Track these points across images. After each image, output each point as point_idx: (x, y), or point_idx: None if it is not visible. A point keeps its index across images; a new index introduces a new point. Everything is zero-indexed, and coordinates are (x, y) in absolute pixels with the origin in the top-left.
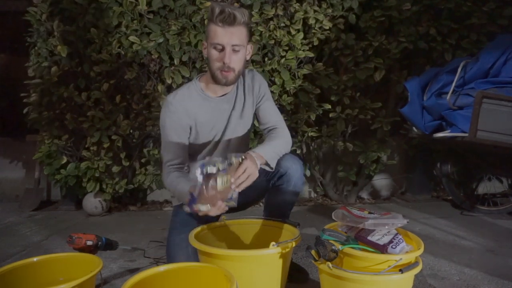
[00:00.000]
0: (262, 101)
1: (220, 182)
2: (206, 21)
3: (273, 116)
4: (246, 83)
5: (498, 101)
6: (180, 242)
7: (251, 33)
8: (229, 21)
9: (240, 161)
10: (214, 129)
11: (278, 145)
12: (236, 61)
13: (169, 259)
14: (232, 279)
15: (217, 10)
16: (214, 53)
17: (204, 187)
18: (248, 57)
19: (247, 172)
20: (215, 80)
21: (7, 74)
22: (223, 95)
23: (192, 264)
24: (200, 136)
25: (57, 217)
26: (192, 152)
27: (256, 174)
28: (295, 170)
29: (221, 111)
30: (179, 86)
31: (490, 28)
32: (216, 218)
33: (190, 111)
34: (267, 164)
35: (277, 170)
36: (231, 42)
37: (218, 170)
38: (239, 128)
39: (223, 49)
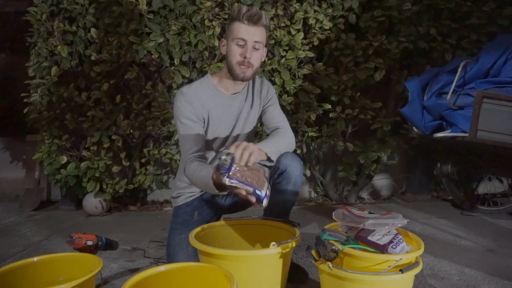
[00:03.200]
0: (268, 104)
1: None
2: (207, 22)
3: (278, 118)
4: (255, 87)
5: (498, 101)
6: (181, 242)
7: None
8: (255, 19)
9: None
10: (224, 125)
11: (280, 142)
12: (255, 58)
13: (170, 259)
14: (232, 279)
15: (244, 9)
16: (236, 48)
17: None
18: (263, 59)
19: (242, 146)
20: (233, 74)
21: (7, 74)
22: (234, 94)
23: (192, 264)
24: (210, 131)
25: (57, 217)
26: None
27: (255, 149)
28: (295, 168)
29: (232, 108)
30: (179, 86)
31: (490, 28)
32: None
33: (204, 103)
34: (268, 159)
35: (277, 167)
36: (253, 39)
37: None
38: (246, 126)
39: (244, 45)
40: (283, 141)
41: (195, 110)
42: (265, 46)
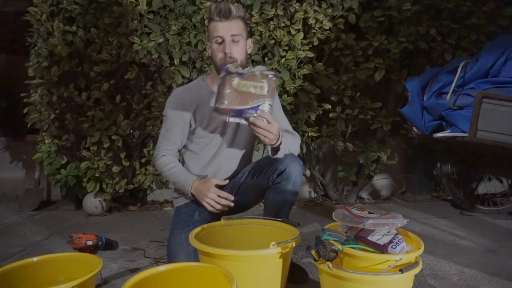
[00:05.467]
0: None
1: (236, 81)
2: (206, 22)
3: (281, 120)
4: None
5: (498, 101)
6: (181, 242)
7: (251, 30)
8: (225, 14)
9: (265, 74)
10: (218, 122)
11: (295, 144)
12: (237, 51)
13: (170, 259)
14: (232, 279)
15: (213, 7)
16: (216, 47)
17: (221, 84)
18: (249, 51)
19: (268, 126)
20: (220, 72)
21: (7, 74)
22: None
23: (192, 264)
24: (205, 129)
25: (57, 217)
26: (200, 147)
27: (272, 135)
28: (295, 168)
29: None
30: (179, 86)
31: (490, 28)
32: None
33: (196, 102)
34: (274, 149)
35: (277, 166)
36: (229, 33)
37: (237, 73)
38: (243, 125)
39: (223, 41)
40: (296, 143)
41: (183, 110)
42: (249, 37)
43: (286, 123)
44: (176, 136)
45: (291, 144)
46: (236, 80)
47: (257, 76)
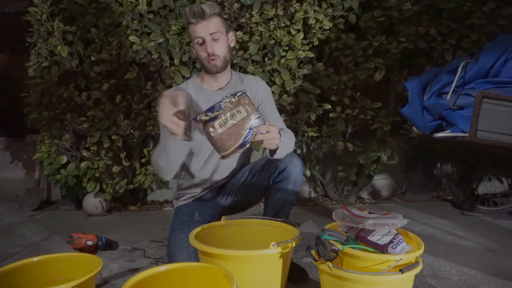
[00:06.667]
0: (261, 103)
1: (216, 127)
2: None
3: (274, 120)
4: (244, 83)
5: (498, 101)
6: (181, 242)
7: (231, 28)
8: (200, 14)
9: (232, 100)
10: None
11: (290, 145)
12: (219, 48)
13: (170, 259)
14: (232, 279)
15: (188, 10)
16: (198, 48)
17: (208, 136)
18: (232, 44)
19: (269, 135)
20: (206, 70)
21: (7, 74)
22: (218, 89)
23: (192, 264)
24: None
25: (57, 217)
26: (198, 145)
27: (275, 140)
28: (295, 166)
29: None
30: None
31: (490, 28)
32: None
33: (187, 101)
34: (271, 152)
35: (277, 165)
36: (208, 32)
37: (210, 119)
38: None
39: (204, 42)
40: (292, 141)
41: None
42: (229, 32)
43: (280, 122)
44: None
45: (288, 143)
46: (215, 126)
47: (227, 107)
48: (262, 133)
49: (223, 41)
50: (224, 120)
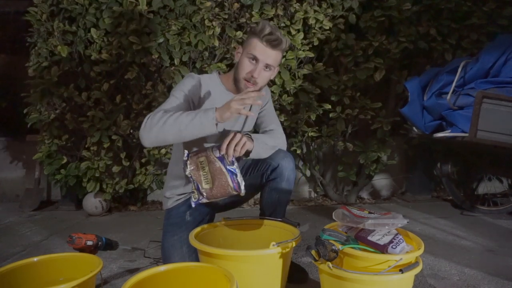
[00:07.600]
0: (265, 107)
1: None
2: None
3: (271, 121)
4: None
5: (498, 101)
6: (174, 243)
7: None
8: (274, 44)
9: (200, 160)
10: (224, 125)
11: (270, 141)
12: (263, 78)
13: (165, 261)
14: (232, 279)
15: (267, 30)
16: (247, 64)
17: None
18: (272, 77)
19: (234, 142)
20: (237, 85)
21: (7, 74)
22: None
23: (192, 264)
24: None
25: (57, 217)
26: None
27: (246, 141)
28: (287, 163)
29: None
30: None
31: (490, 28)
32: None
33: (208, 95)
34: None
35: (269, 163)
36: (266, 61)
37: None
38: (244, 128)
39: (256, 64)
40: (273, 141)
41: (193, 90)
42: (276, 67)
43: (276, 122)
44: (178, 108)
45: (264, 142)
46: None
47: (197, 169)
48: (228, 145)
49: (270, 74)
50: (204, 177)
